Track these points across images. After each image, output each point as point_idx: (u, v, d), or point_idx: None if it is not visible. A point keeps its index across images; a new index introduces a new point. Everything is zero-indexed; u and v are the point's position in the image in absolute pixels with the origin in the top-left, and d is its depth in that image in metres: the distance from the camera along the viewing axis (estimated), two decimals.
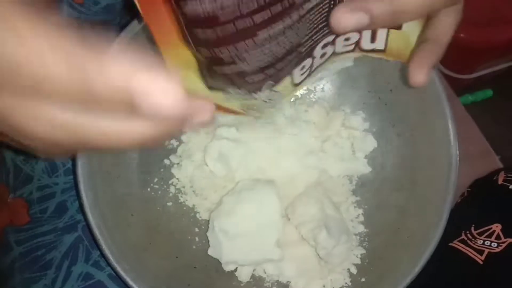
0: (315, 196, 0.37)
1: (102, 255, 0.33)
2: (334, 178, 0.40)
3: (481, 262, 0.39)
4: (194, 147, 0.40)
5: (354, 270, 0.37)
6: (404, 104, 0.39)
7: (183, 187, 0.40)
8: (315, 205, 0.37)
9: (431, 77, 0.35)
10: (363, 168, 0.40)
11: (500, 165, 0.67)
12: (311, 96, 0.43)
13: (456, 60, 0.85)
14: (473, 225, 0.41)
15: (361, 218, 0.39)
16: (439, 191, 0.34)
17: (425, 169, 0.37)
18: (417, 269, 0.33)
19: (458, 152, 0.34)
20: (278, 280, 0.38)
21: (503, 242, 0.39)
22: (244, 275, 0.38)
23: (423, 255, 0.33)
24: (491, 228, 0.40)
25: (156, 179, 0.40)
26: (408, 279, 0.33)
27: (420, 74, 0.27)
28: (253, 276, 0.38)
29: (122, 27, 0.35)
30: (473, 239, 0.40)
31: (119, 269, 0.32)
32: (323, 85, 0.43)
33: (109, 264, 0.33)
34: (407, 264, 0.33)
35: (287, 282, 0.38)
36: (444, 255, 0.41)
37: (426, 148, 0.37)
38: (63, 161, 0.40)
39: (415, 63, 0.27)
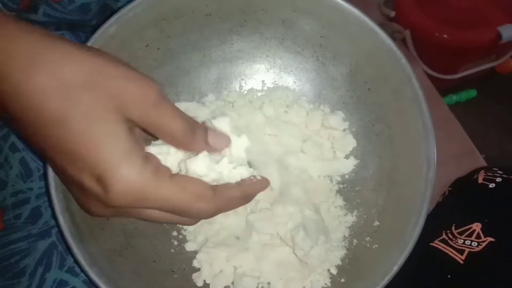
0: (294, 196, 0.37)
1: (75, 261, 0.32)
2: (314, 178, 0.40)
3: (462, 262, 0.39)
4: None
5: (334, 271, 0.37)
6: (382, 103, 0.39)
7: None
8: (294, 206, 0.36)
9: (409, 76, 0.35)
10: (343, 168, 0.40)
11: (484, 164, 0.67)
12: (291, 96, 0.42)
13: (440, 61, 0.86)
14: (454, 224, 0.41)
15: (342, 219, 0.39)
16: (418, 190, 0.34)
17: (404, 168, 0.37)
18: (395, 268, 0.33)
19: (436, 150, 0.34)
20: (258, 282, 0.38)
21: (483, 241, 0.39)
22: (223, 281, 0.37)
23: (402, 255, 0.33)
24: (471, 227, 0.40)
25: None
26: (386, 279, 0.33)
27: None
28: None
29: (95, 28, 0.34)
30: (453, 239, 0.41)
31: (92, 275, 0.31)
32: (302, 85, 0.42)
33: (82, 270, 0.32)
34: (386, 263, 0.33)
35: (267, 283, 0.37)
36: (425, 255, 0.41)
37: (404, 147, 0.37)
38: (37, 166, 0.39)
39: None
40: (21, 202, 0.38)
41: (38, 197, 0.39)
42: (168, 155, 0.30)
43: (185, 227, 0.39)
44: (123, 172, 0.25)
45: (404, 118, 0.37)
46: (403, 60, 0.35)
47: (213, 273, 0.37)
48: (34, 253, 0.36)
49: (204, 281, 0.37)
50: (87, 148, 0.24)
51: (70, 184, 0.28)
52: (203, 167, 0.29)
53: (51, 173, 0.32)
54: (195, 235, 0.39)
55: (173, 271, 0.37)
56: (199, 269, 0.37)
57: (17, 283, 0.35)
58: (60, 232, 0.32)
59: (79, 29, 0.43)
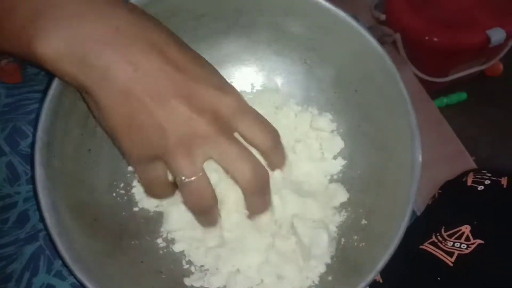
0: (288, 193, 0.37)
1: (63, 263, 0.32)
2: (303, 178, 0.40)
3: (451, 264, 0.39)
4: None
5: (323, 269, 0.37)
6: (368, 104, 0.39)
7: None
8: (290, 201, 0.37)
9: (394, 76, 0.35)
10: (332, 168, 0.40)
11: (475, 166, 0.68)
12: (279, 98, 0.42)
13: (430, 64, 0.86)
14: (443, 227, 0.42)
15: (331, 218, 0.39)
16: (404, 189, 0.34)
17: (391, 167, 0.37)
18: (381, 263, 0.33)
19: (421, 151, 0.34)
20: (251, 281, 0.37)
21: (472, 244, 0.39)
22: (215, 281, 0.37)
23: (387, 251, 0.33)
24: (461, 229, 0.41)
25: (122, 184, 0.39)
26: (372, 275, 0.33)
27: None
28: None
29: None
30: (443, 241, 0.41)
31: (79, 275, 0.31)
32: (291, 87, 0.43)
33: (69, 270, 0.32)
34: (372, 261, 0.33)
35: (261, 280, 0.37)
36: (415, 258, 0.41)
37: (390, 147, 0.37)
38: (25, 169, 0.39)
39: None
40: (8, 206, 0.38)
41: (25, 200, 0.38)
42: None
43: (173, 227, 0.39)
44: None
45: (390, 119, 0.37)
46: (388, 61, 0.35)
47: (204, 273, 0.37)
48: (21, 258, 0.36)
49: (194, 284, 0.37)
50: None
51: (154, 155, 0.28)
52: None
53: (38, 172, 0.31)
54: (184, 236, 0.38)
55: (161, 272, 0.37)
56: (187, 269, 0.37)
57: None
58: (48, 232, 0.32)
59: None
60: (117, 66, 0.25)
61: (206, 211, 0.31)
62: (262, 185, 0.30)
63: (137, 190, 0.39)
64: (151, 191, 0.33)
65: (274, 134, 0.31)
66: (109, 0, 0.26)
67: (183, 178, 0.28)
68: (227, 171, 0.29)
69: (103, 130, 0.31)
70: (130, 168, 0.40)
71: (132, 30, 0.26)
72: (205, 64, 0.29)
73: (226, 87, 0.28)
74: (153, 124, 0.26)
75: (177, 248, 0.38)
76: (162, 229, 0.39)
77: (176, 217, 0.38)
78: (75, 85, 0.27)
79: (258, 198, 0.31)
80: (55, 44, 0.25)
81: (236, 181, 0.29)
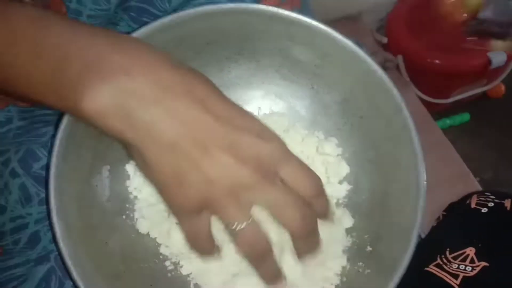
0: None
1: (75, 285, 0.33)
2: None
3: (456, 287, 0.39)
4: None
5: None
6: (374, 131, 0.40)
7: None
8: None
9: (399, 106, 0.36)
10: (337, 193, 0.41)
11: (479, 187, 0.68)
12: (286, 122, 0.43)
13: (433, 85, 0.87)
14: (448, 249, 0.42)
15: (336, 245, 0.39)
16: (409, 217, 0.35)
17: (395, 194, 0.38)
18: None
19: (425, 178, 0.35)
20: None
21: (477, 266, 0.40)
22: None
23: (392, 281, 0.33)
24: (465, 252, 0.41)
25: (132, 207, 0.40)
26: None
27: None
28: None
29: None
30: (448, 263, 0.41)
31: None
32: (297, 112, 0.44)
33: None
34: None
35: None
36: (420, 280, 0.41)
37: (395, 174, 0.38)
38: (37, 191, 0.40)
39: None
40: (20, 227, 0.38)
41: (37, 222, 0.39)
42: None
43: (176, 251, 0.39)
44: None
45: (395, 146, 0.37)
46: (394, 91, 0.36)
47: None
48: (32, 278, 0.37)
49: None
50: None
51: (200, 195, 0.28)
52: None
53: (52, 195, 0.32)
54: (190, 258, 0.39)
55: None
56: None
57: None
58: (60, 255, 0.32)
59: None
60: (164, 121, 0.26)
61: (262, 258, 0.31)
62: (311, 229, 0.31)
63: (139, 214, 0.40)
64: (195, 244, 0.32)
65: (317, 181, 0.31)
66: (155, 55, 0.27)
67: (235, 225, 0.28)
68: (275, 218, 0.29)
69: (150, 183, 0.32)
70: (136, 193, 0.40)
71: (177, 86, 0.27)
72: (244, 112, 0.29)
73: (267, 134, 0.29)
74: (200, 175, 0.27)
75: (184, 271, 0.38)
76: (167, 253, 0.39)
77: (178, 241, 0.39)
78: (122, 140, 0.28)
79: (307, 240, 0.31)
80: (102, 100, 0.26)
81: (285, 227, 0.30)
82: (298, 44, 0.39)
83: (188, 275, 0.39)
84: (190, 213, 0.29)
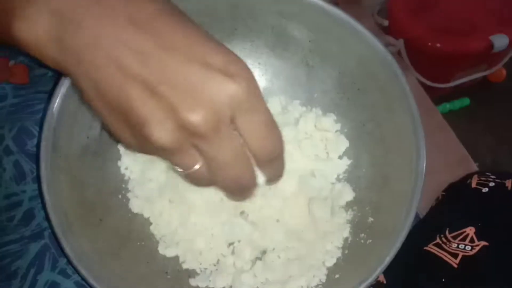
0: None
1: (68, 261, 0.32)
2: (309, 179, 0.40)
3: (455, 266, 0.39)
4: None
5: (330, 268, 0.37)
6: (371, 103, 0.39)
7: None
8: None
9: (395, 73, 0.36)
10: (338, 168, 0.41)
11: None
12: (283, 100, 0.43)
13: (433, 70, 0.87)
14: (448, 228, 0.41)
15: (339, 218, 0.39)
16: (409, 182, 0.35)
17: (396, 163, 0.37)
18: (387, 259, 0.33)
19: (425, 143, 0.35)
20: (254, 287, 0.37)
21: (477, 245, 0.39)
22: (219, 281, 0.37)
23: (394, 245, 0.33)
24: (465, 231, 0.40)
25: (128, 186, 0.39)
26: (379, 270, 0.33)
27: None
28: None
29: None
30: (447, 243, 0.40)
31: (85, 275, 0.31)
32: (294, 89, 0.43)
33: (74, 269, 0.32)
34: (379, 256, 0.34)
35: (265, 279, 0.37)
36: (419, 259, 0.41)
37: (395, 142, 0.38)
38: (31, 168, 0.39)
39: None
40: (14, 204, 0.38)
41: (31, 199, 0.38)
42: None
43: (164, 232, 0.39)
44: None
45: (394, 115, 0.37)
46: (389, 58, 0.36)
47: (210, 274, 0.37)
48: (26, 255, 0.36)
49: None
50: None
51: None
52: None
53: (43, 171, 0.32)
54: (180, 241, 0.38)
55: (166, 272, 0.37)
56: (192, 270, 0.37)
57: (8, 285, 0.35)
58: (52, 230, 0.32)
59: None
60: (97, 48, 0.22)
61: (245, 190, 0.28)
62: (245, 190, 0.28)
63: (132, 195, 0.39)
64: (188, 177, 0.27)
65: (276, 143, 0.26)
66: None
67: (182, 170, 0.26)
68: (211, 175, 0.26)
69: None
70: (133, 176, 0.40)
71: (118, 6, 0.22)
72: (208, 38, 0.24)
73: (233, 69, 0.23)
74: (139, 119, 0.23)
75: (174, 252, 0.38)
76: (160, 233, 0.39)
77: (166, 221, 0.38)
78: (60, 70, 0.25)
79: (240, 197, 0.29)
80: (32, 24, 0.23)
81: (218, 187, 0.27)
82: (291, 20, 0.39)
83: (178, 256, 0.38)
84: (133, 147, 0.25)
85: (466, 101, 0.97)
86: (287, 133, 0.40)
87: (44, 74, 0.45)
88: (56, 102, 0.33)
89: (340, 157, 0.41)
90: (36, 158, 0.37)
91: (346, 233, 0.38)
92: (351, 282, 0.34)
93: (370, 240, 0.37)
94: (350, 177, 0.41)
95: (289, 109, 0.42)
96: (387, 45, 0.85)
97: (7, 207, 0.38)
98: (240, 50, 0.42)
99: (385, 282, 0.41)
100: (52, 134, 0.33)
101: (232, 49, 0.41)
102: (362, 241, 0.37)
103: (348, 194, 0.40)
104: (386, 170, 0.38)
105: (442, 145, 0.70)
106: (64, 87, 0.33)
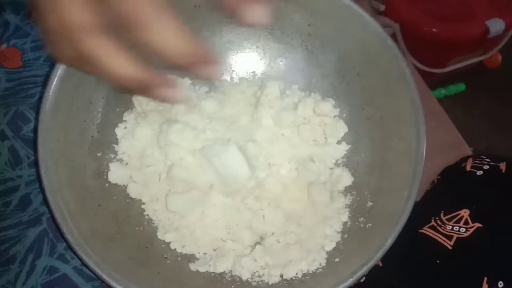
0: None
1: (67, 245, 0.32)
2: (307, 163, 0.40)
3: (450, 247, 0.40)
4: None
5: (330, 252, 0.37)
6: (371, 87, 0.39)
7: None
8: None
9: (395, 56, 0.36)
10: (336, 153, 0.41)
11: None
12: (282, 85, 0.42)
13: (429, 55, 0.87)
14: (443, 211, 0.42)
15: (338, 202, 0.39)
16: (409, 166, 0.35)
17: (395, 147, 0.37)
18: (389, 241, 0.33)
19: (425, 126, 0.35)
20: (254, 271, 0.38)
21: (471, 227, 0.40)
22: (220, 266, 0.37)
23: (395, 228, 0.33)
24: (460, 213, 0.41)
25: None
26: (380, 252, 0.33)
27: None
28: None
29: None
30: (442, 225, 0.41)
31: (85, 259, 0.32)
32: (293, 74, 0.43)
33: (74, 253, 0.32)
34: (380, 239, 0.34)
35: (265, 264, 0.37)
36: (414, 241, 0.41)
37: (395, 126, 0.38)
38: (27, 153, 0.39)
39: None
40: (10, 189, 0.38)
41: (27, 184, 0.38)
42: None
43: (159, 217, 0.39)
44: None
45: (393, 98, 0.37)
46: (389, 41, 0.36)
47: (209, 258, 0.37)
48: (24, 240, 0.36)
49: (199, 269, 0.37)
50: None
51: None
52: None
53: (41, 155, 0.32)
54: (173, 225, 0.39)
55: (166, 257, 0.37)
56: (192, 255, 0.38)
57: (7, 270, 0.35)
58: (51, 214, 0.32)
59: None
60: None
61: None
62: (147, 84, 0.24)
63: (130, 180, 0.39)
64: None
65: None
66: None
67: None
68: None
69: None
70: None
71: None
72: None
73: None
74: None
75: (167, 238, 0.38)
76: (157, 218, 0.39)
77: (164, 207, 0.38)
78: None
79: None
80: None
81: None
82: (290, 3, 0.38)
83: (177, 241, 0.38)
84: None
85: (461, 86, 0.97)
86: (285, 118, 0.40)
87: (38, 58, 0.45)
88: (53, 85, 0.33)
89: (338, 142, 0.41)
90: (34, 142, 0.37)
91: (345, 217, 0.38)
92: (352, 265, 0.34)
93: (370, 224, 0.37)
94: (349, 162, 0.41)
95: (287, 94, 0.42)
96: (383, 26, 0.85)
97: (3, 192, 0.38)
98: (238, 33, 0.42)
99: (381, 264, 0.41)
100: (50, 117, 0.33)
101: (230, 32, 0.42)
102: (362, 225, 0.37)
103: (347, 179, 0.40)
104: (385, 155, 0.38)
105: (437, 130, 0.71)
106: (61, 69, 0.33)
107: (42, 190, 0.32)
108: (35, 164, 0.37)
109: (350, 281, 0.33)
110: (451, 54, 0.90)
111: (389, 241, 0.33)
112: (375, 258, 0.33)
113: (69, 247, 0.32)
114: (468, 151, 0.70)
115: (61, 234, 0.32)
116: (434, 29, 0.84)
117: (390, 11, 0.86)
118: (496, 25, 0.82)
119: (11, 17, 0.45)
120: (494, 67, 1.00)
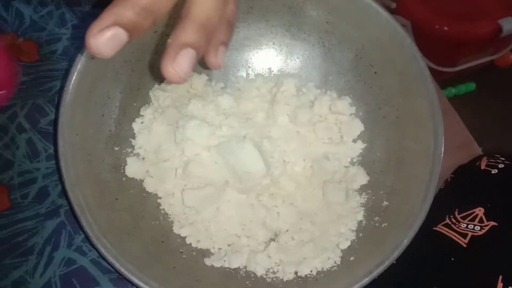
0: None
1: (86, 237, 0.33)
2: (322, 162, 0.40)
3: (464, 245, 0.40)
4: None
5: (344, 250, 0.37)
6: (388, 86, 0.39)
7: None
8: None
9: (414, 56, 0.35)
10: (352, 152, 0.41)
11: None
12: (298, 82, 0.42)
13: (440, 53, 0.86)
14: (457, 209, 0.42)
15: (353, 201, 0.39)
16: (426, 167, 0.35)
17: (412, 147, 0.37)
18: (405, 241, 0.33)
19: (443, 128, 0.34)
20: (268, 267, 0.38)
21: (486, 226, 0.40)
22: (234, 261, 0.37)
23: (412, 228, 0.33)
24: (474, 212, 0.41)
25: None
26: (396, 253, 0.33)
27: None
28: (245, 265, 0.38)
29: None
30: (457, 223, 0.41)
31: (104, 252, 0.32)
32: (309, 71, 0.43)
33: (93, 247, 0.32)
34: (396, 239, 0.34)
35: (279, 260, 0.37)
36: (428, 239, 0.41)
37: (412, 126, 0.37)
38: (44, 146, 0.40)
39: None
40: (28, 181, 0.38)
41: (45, 177, 0.39)
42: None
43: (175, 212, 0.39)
44: None
45: (411, 98, 0.37)
46: (408, 41, 0.35)
47: (224, 254, 0.37)
48: (42, 232, 0.37)
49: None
50: None
51: None
52: None
53: (61, 148, 0.32)
54: (188, 220, 0.39)
55: (181, 252, 0.37)
56: (207, 250, 0.38)
57: (25, 261, 0.36)
58: (70, 207, 0.32)
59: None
60: None
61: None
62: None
63: (146, 174, 0.39)
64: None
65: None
66: None
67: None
68: None
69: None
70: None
71: None
72: None
73: None
74: None
75: (183, 232, 0.38)
76: (173, 212, 0.39)
77: (180, 201, 0.38)
78: None
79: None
80: None
81: None
82: (308, 0, 0.38)
83: (192, 236, 0.38)
84: None
85: (471, 86, 0.96)
86: (301, 116, 0.40)
87: (54, 52, 0.45)
88: (73, 79, 0.33)
89: (354, 141, 0.41)
90: (54, 135, 0.37)
91: (360, 216, 0.38)
92: (367, 265, 0.34)
93: (385, 224, 0.37)
94: (364, 160, 0.41)
95: (303, 91, 0.42)
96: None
97: (20, 184, 0.38)
98: (255, 29, 0.42)
99: (394, 262, 0.41)
100: (69, 111, 0.33)
101: (247, 28, 0.42)
102: (377, 224, 0.37)
103: (362, 178, 0.40)
104: (401, 154, 0.38)
105: (447, 129, 0.71)
106: (80, 64, 0.33)
107: (61, 183, 0.32)
108: (55, 157, 0.37)
109: (366, 280, 0.33)
110: (462, 53, 0.90)
111: (405, 242, 0.33)
112: (391, 258, 0.33)
113: (88, 240, 0.32)
114: (478, 150, 0.70)
115: (80, 227, 0.33)
116: (445, 28, 0.84)
117: (401, 9, 0.86)
118: (509, 24, 0.81)
119: (24, 7, 0.45)
120: (505, 66, 0.99)
